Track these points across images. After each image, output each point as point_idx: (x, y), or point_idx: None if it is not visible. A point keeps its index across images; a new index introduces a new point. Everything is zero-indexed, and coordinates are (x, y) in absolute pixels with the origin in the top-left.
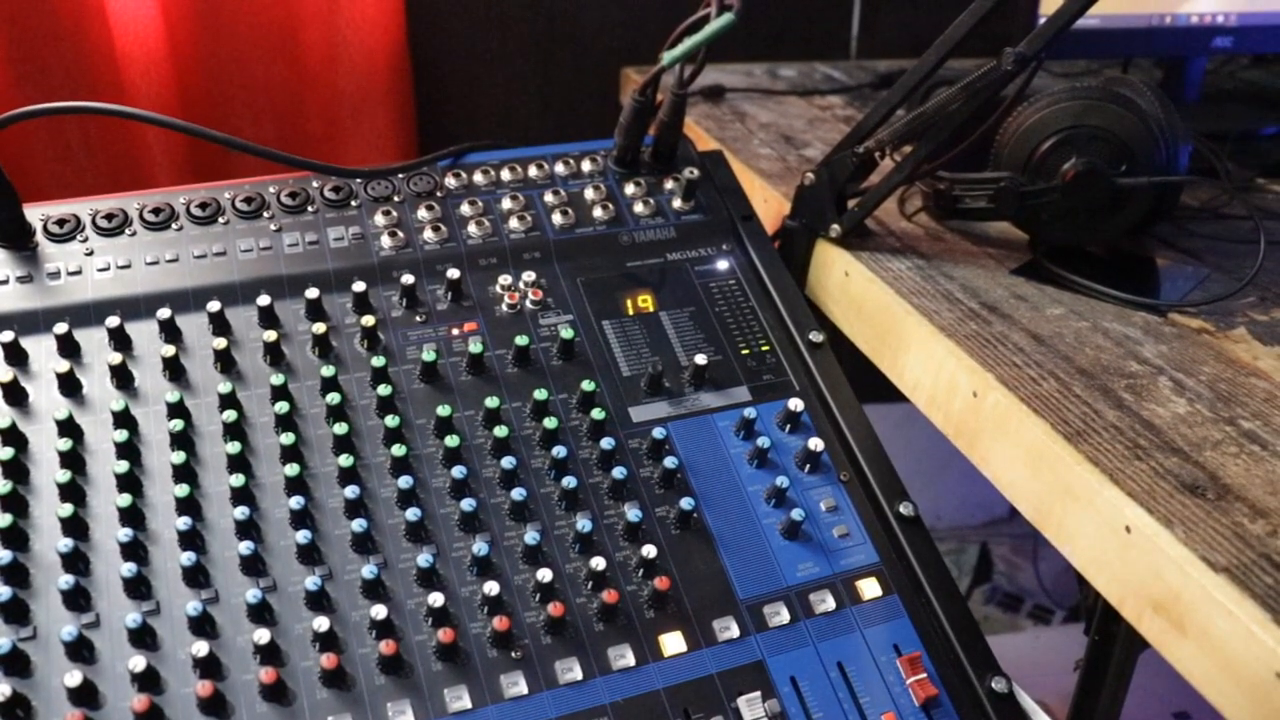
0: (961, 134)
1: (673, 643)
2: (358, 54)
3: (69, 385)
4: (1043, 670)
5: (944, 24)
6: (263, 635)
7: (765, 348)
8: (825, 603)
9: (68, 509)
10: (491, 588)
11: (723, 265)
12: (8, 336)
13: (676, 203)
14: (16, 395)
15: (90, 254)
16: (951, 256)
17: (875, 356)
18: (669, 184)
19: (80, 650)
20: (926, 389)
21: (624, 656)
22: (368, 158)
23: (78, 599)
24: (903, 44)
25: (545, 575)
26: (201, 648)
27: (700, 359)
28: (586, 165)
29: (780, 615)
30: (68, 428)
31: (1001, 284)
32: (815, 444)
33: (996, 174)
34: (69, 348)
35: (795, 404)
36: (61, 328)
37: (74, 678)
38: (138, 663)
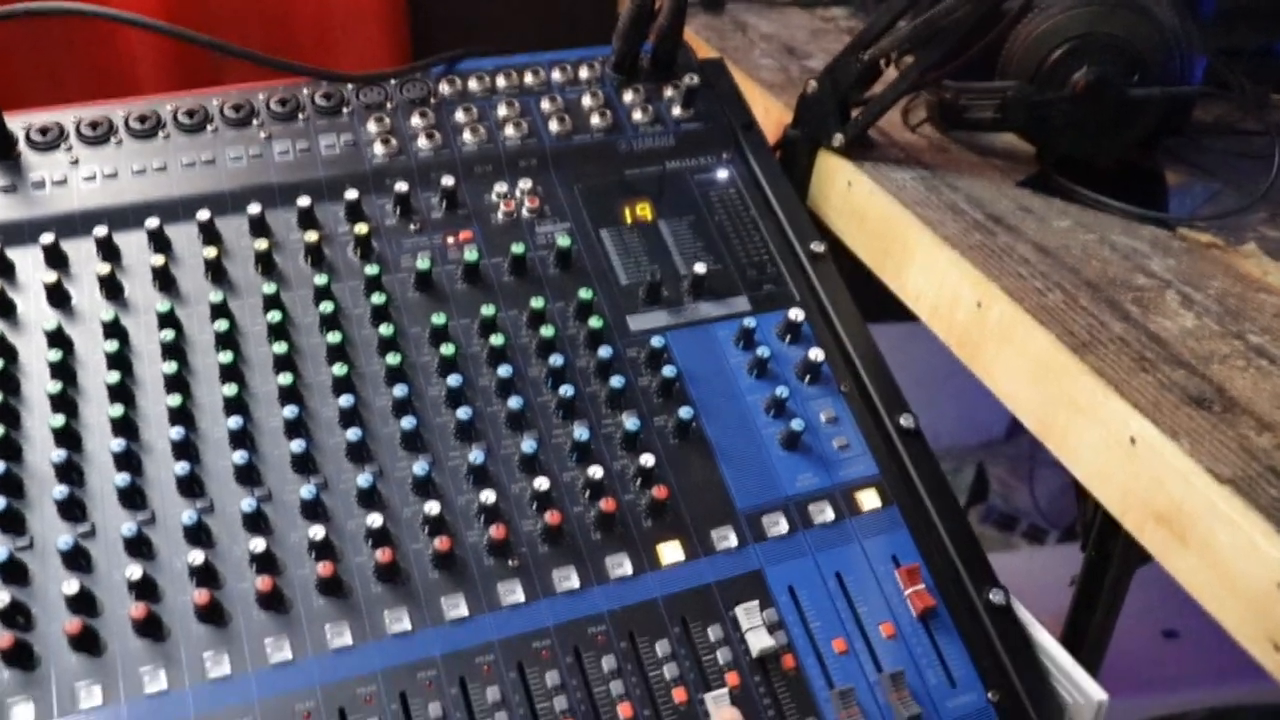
0: (968, 41)
1: (670, 552)
2: None
3: (57, 296)
4: (1038, 587)
5: None
6: (258, 544)
7: (765, 258)
8: (824, 514)
9: (59, 420)
10: (488, 496)
11: (723, 174)
12: None
13: (676, 110)
14: (4, 307)
15: (75, 163)
16: (956, 168)
17: (878, 268)
18: (668, 91)
19: (77, 559)
20: (929, 300)
21: (621, 565)
22: (361, 67)
23: (73, 509)
24: None
25: (542, 484)
26: (198, 556)
27: (700, 268)
28: (584, 72)
29: (779, 525)
30: (57, 339)
31: (1007, 195)
32: (816, 354)
33: (1004, 83)
34: (56, 258)
35: (796, 314)
36: (48, 238)
37: (71, 586)
38: (134, 571)
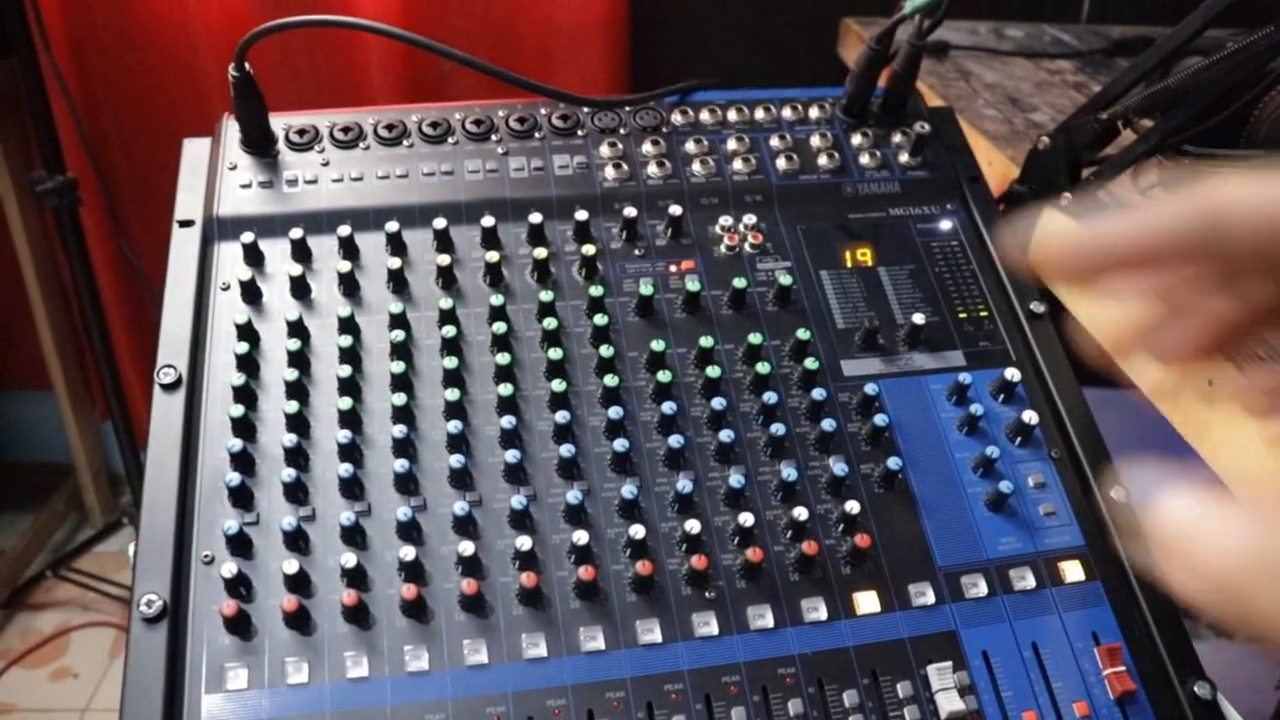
0: (1215, 107)
1: (867, 601)
2: None
3: (299, 289)
4: (1233, 684)
5: None
6: (466, 547)
7: (984, 313)
8: (1025, 580)
9: (293, 406)
10: (693, 525)
11: (946, 225)
12: (248, 237)
13: (903, 157)
14: (252, 294)
15: (326, 164)
16: None
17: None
18: (896, 137)
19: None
20: (1154, 374)
21: (817, 609)
22: (579, 91)
23: (296, 493)
24: (1137, 10)
25: (747, 519)
26: (408, 552)
27: (918, 318)
28: (814, 112)
29: (978, 587)
30: (296, 329)
31: None
32: (1030, 416)
33: (1250, 152)
34: (302, 253)
35: (1012, 374)
36: (297, 233)
37: (292, 565)
38: (348, 559)
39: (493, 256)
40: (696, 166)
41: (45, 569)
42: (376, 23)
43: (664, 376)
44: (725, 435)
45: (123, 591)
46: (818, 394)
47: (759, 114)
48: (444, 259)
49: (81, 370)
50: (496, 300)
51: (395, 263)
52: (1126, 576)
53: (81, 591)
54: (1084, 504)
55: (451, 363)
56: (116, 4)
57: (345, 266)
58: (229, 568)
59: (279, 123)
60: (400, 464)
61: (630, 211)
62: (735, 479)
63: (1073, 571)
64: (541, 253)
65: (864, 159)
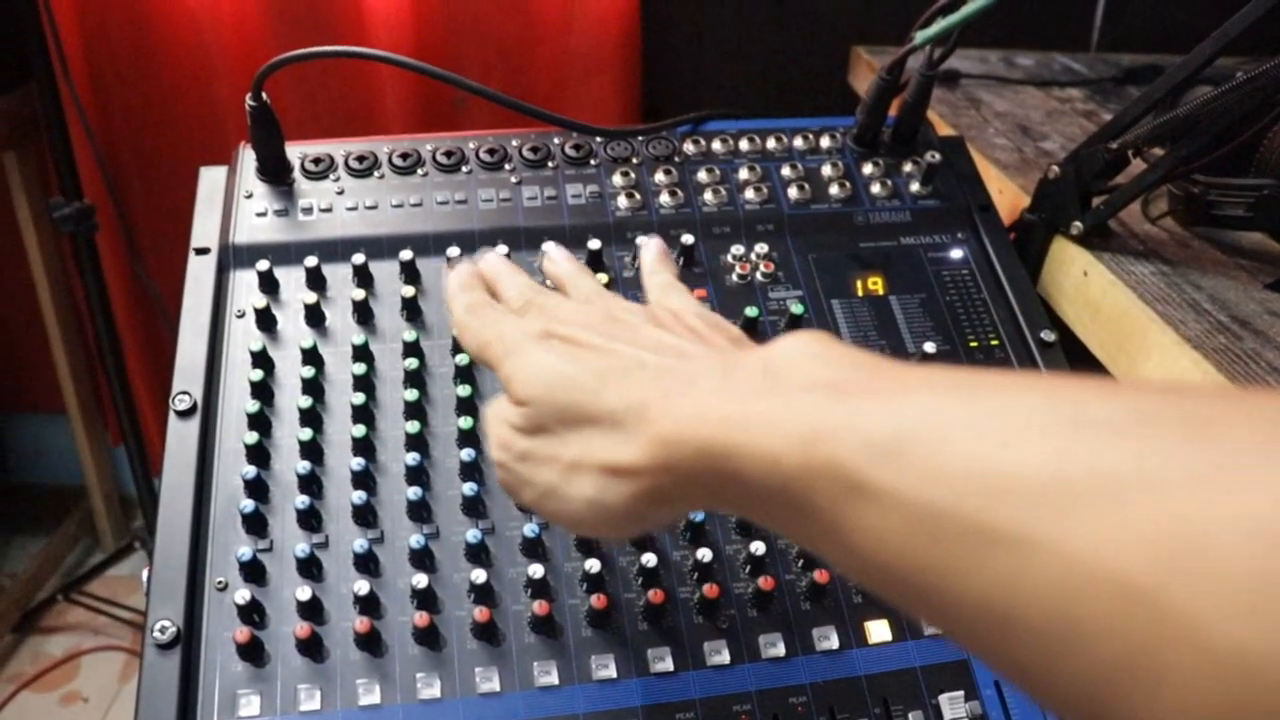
0: (1224, 136)
1: (878, 630)
2: (590, 16)
3: (314, 316)
4: None
5: (1195, 18)
6: (479, 575)
7: (995, 342)
8: None
9: (307, 433)
10: (705, 554)
11: (957, 254)
12: (264, 265)
13: (914, 186)
14: (267, 321)
15: (341, 193)
16: (1199, 265)
17: (1110, 362)
18: (908, 166)
19: (310, 568)
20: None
21: (828, 638)
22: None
23: (310, 520)
24: (1148, 38)
25: (758, 548)
26: (420, 579)
27: (929, 347)
28: (825, 141)
29: None
30: (311, 356)
31: (1255, 298)
32: None
33: (1259, 180)
34: (316, 281)
35: None
36: (311, 261)
37: (305, 591)
38: (361, 586)
39: None
40: (708, 196)
41: (56, 592)
42: (392, 54)
43: None
44: None
45: (134, 616)
46: None
47: (770, 143)
48: None
49: (95, 394)
50: None
51: (409, 290)
52: None
53: (92, 615)
54: None
55: (464, 390)
56: (135, 32)
57: (359, 294)
58: (242, 594)
59: (295, 151)
60: (413, 491)
61: (643, 240)
62: None
63: None
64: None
65: (875, 188)
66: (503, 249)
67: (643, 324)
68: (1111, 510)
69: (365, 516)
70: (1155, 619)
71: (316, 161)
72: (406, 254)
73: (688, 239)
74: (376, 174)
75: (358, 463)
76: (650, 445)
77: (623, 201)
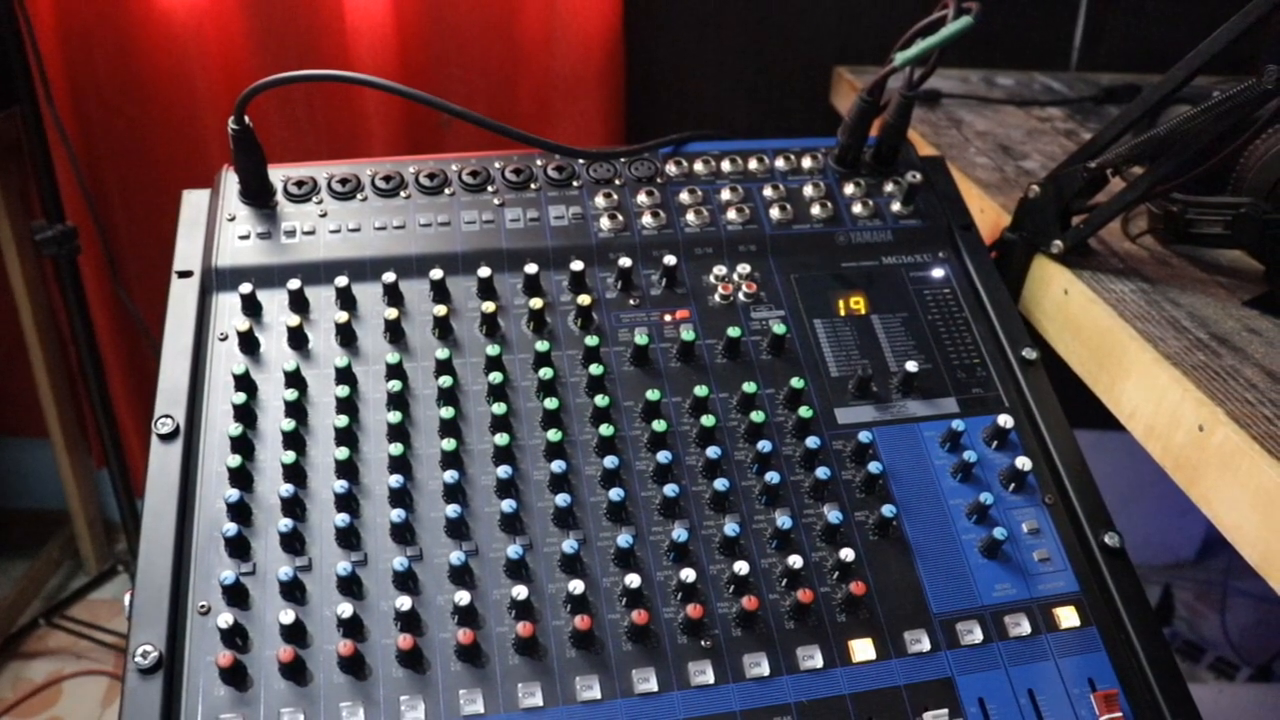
0: (1202, 155)
1: (862, 649)
2: (574, 38)
3: (297, 339)
4: None
5: (1172, 38)
6: (463, 597)
7: (976, 360)
8: (1020, 626)
9: (290, 456)
10: (688, 574)
11: (938, 273)
12: (246, 288)
13: (896, 206)
14: (250, 344)
15: (324, 215)
16: (1179, 282)
17: (1090, 379)
18: (889, 186)
19: (293, 591)
20: (1145, 418)
21: (812, 657)
22: (575, 140)
23: (293, 543)
24: (1127, 58)
25: (742, 568)
26: (404, 602)
27: (911, 366)
28: (807, 162)
29: (973, 634)
30: (294, 379)
31: (1233, 315)
32: (1023, 463)
33: (1236, 199)
34: (299, 303)
35: (1005, 420)
36: (294, 284)
37: (289, 615)
38: (345, 609)
39: (489, 307)
40: (691, 217)
41: (39, 616)
42: (374, 78)
43: (659, 425)
44: (720, 484)
45: (116, 640)
46: (812, 442)
47: (752, 164)
48: (440, 309)
49: (78, 418)
50: (492, 350)
51: (392, 313)
52: (1122, 622)
53: (74, 640)
54: (1078, 549)
55: (448, 413)
56: (118, 56)
57: (343, 317)
58: (225, 618)
59: (278, 174)
60: (397, 514)
61: (625, 261)
62: (730, 527)
63: (1068, 617)
64: (537, 303)
65: (856, 208)
66: (485, 271)
67: None
68: None
69: (349, 539)
70: None
71: (299, 184)
72: (389, 276)
73: (670, 260)
74: (359, 196)
75: (341, 485)
76: None
77: (605, 223)
